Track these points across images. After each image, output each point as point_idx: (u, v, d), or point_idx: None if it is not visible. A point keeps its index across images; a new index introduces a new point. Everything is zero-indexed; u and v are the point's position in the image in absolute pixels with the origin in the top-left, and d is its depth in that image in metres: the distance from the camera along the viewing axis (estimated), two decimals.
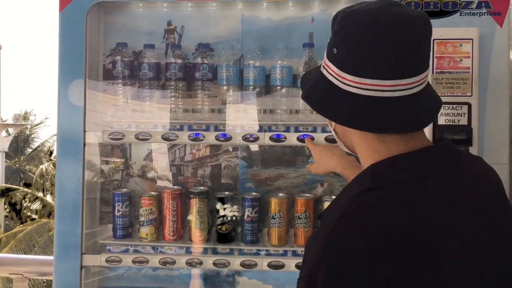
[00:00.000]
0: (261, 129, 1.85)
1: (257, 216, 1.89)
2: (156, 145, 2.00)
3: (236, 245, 1.89)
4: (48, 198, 15.09)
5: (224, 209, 1.90)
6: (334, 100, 1.00)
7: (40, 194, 15.13)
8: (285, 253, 1.86)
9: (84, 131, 1.85)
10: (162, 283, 2.00)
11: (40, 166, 16.56)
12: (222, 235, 1.90)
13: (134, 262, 1.88)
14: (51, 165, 15.86)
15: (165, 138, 1.85)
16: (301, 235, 1.87)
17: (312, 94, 1.04)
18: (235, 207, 1.91)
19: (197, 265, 1.86)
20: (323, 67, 1.03)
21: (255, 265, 1.84)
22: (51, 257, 2.22)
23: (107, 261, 1.88)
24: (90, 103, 1.88)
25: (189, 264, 1.86)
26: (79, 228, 1.86)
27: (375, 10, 0.96)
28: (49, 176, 15.49)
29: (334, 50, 0.99)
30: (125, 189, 1.98)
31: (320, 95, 1.02)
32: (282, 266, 1.83)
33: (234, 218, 1.90)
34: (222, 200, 1.91)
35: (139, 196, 1.95)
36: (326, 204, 1.85)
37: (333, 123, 1.10)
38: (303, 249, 1.85)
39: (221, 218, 1.90)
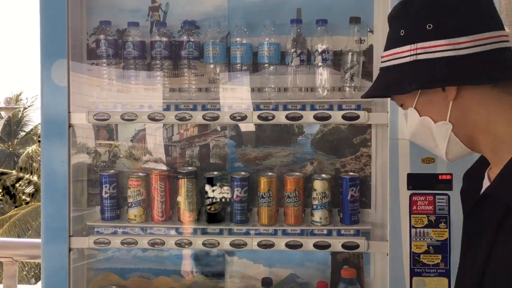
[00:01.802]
0: (249, 108, 1.82)
1: (246, 195, 1.87)
2: (143, 125, 1.96)
3: (226, 225, 1.88)
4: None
5: (213, 189, 1.88)
6: (454, 70, 0.94)
7: (35, 178, 15.08)
8: (275, 232, 1.85)
9: (69, 112, 1.82)
10: (151, 264, 1.99)
11: (28, 148, 16.43)
12: (211, 215, 1.89)
13: (122, 243, 1.86)
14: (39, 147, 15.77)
15: (152, 118, 1.82)
16: (291, 214, 1.86)
17: (434, 76, 0.96)
18: (225, 188, 1.89)
19: (186, 246, 1.84)
20: (418, 53, 0.97)
21: (245, 244, 1.82)
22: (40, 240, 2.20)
23: (95, 243, 1.86)
24: (74, 83, 1.84)
25: (178, 244, 1.85)
26: (66, 211, 1.84)
27: None
28: (39, 158, 15.41)
29: (428, 26, 0.96)
30: (112, 171, 1.96)
31: (443, 72, 0.95)
32: (272, 245, 1.82)
33: (223, 198, 1.89)
34: (211, 180, 1.89)
35: (126, 178, 1.93)
36: (316, 183, 1.84)
37: (440, 123, 1.00)
38: (293, 228, 1.85)
39: (210, 199, 1.88)
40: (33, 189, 14.56)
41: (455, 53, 0.94)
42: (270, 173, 1.89)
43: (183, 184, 1.88)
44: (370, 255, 1.88)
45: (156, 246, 1.85)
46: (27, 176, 15.06)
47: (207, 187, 1.88)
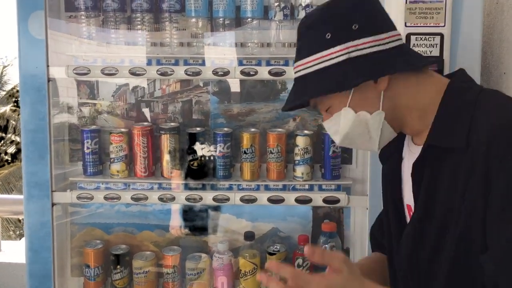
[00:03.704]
0: (232, 63, 1.80)
1: (229, 151, 1.88)
2: (124, 80, 1.94)
3: (209, 180, 1.89)
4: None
5: (196, 145, 1.88)
6: (384, 62, 1.06)
7: (17, 138, 14.88)
8: (257, 188, 1.87)
9: (47, 66, 1.78)
10: (135, 219, 2.01)
11: (6, 107, 16.08)
12: (194, 171, 1.89)
13: (106, 198, 1.87)
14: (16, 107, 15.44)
15: (133, 73, 1.79)
16: (273, 170, 1.87)
17: (360, 70, 1.06)
18: (207, 144, 1.89)
19: (169, 201, 1.86)
20: (350, 51, 1.05)
21: (228, 199, 1.85)
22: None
23: (78, 198, 1.87)
24: (52, 37, 1.79)
25: (161, 199, 1.86)
26: (47, 167, 1.83)
27: None
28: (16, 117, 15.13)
29: (354, 26, 1.06)
30: (93, 126, 1.94)
31: (368, 66, 1.06)
32: (255, 200, 1.84)
33: (205, 154, 1.89)
34: (194, 136, 1.89)
35: (108, 133, 1.92)
36: (298, 139, 1.85)
37: (374, 113, 1.09)
38: (275, 183, 1.87)
39: (193, 154, 1.89)
40: (15, 149, 14.40)
41: (382, 47, 1.06)
42: (253, 129, 1.90)
43: (165, 140, 1.88)
44: (350, 209, 1.92)
45: (139, 201, 1.87)
46: (8, 135, 14.85)
47: (190, 142, 1.88)
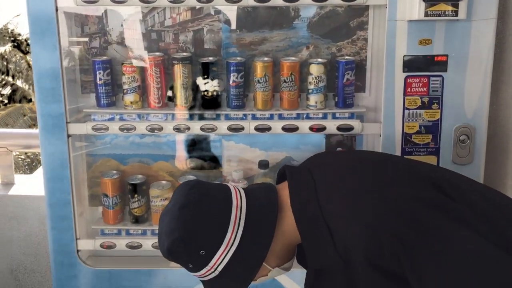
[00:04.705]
0: None
1: (242, 81, 1.87)
2: (134, 9, 1.89)
3: (223, 110, 1.90)
4: (19, 83, 14.70)
5: (209, 75, 1.87)
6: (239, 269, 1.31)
7: (10, 79, 14.70)
8: (271, 117, 1.88)
9: None
10: (150, 150, 2.03)
11: (1, 48, 15.78)
12: (208, 101, 1.90)
13: (121, 129, 1.88)
14: (14, 48, 15.15)
15: (142, 0, 1.75)
16: (286, 99, 1.88)
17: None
18: (219, 78, 1.87)
19: (185, 130, 1.87)
20: (219, 270, 1.30)
21: (242, 128, 1.86)
22: (36, 131, 2.21)
23: (93, 129, 1.88)
24: None
25: (177, 129, 1.87)
26: (61, 98, 1.83)
27: None
28: (14, 59, 14.89)
29: (202, 252, 1.28)
30: (105, 57, 1.92)
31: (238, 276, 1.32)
32: (269, 129, 1.86)
33: (219, 84, 1.88)
34: (206, 66, 1.87)
35: (120, 64, 1.90)
36: (312, 67, 1.84)
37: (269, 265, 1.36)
38: (288, 112, 1.88)
39: (206, 84, 1.88)
40: (10, 90, 14.26)
41: (232, 250, 1.27)
42: (266, 58, 1.88)
43: (178, 70, 1.87)
44: (363, 137, 1.94)
45: (155, 131, 1.88)
46: (2, 77, 14.66)
47: (203, 72, 1.87)
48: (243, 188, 1.40)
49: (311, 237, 1.26)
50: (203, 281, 1.36)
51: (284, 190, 1.35)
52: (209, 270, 1.29)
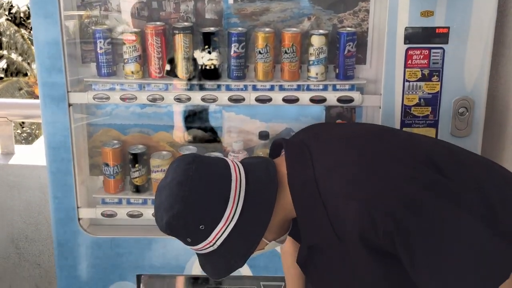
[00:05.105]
0: None
1: (243, 51, 1.87)
2: None
3: (223, 81, 1.90)
4: (14, 56, 14.55)
5: (210, 45, 1.87)
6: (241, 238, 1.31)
7: (5, 52, 14.54)
8: (272, 88, 1.89)
9: None
10: (151, 120, 2.04)
11: None
12: (208, 71, 1.90)
13: (122, 99, 1.88)
14: (8, 22, 14.94)
15: None
16: (287, 70, 1.88)
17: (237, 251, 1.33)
18: (218, 50, 1.87)
19: (186, 101, 1.88)
20: (218, 244, 1.30)
21: (243, 99, 1.87)
22: (36, 100, 2.21)
23: (94, 98, 1.88)
24: None
25: (178, 100, 1.88)
26: (62, 73, 1.83)
27: None
28: (9, 32, 14.69)
29: (201, 227, 1.27)
30: (105, 26, 1.91)
31: (238, 241, 1.30)
32: (270, 100, 1.87)
33: (217, 57, 1.88)
34: (208, 36, 1.87)
35: (120, 33, 1.89)
36: (313, 38, 1.84)
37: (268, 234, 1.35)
38: (289, 83, 1.89)
39: (208, 55, 1.88)
40: (6, 64, 14.12)
41: (232, 225, 1.27)
42: (267, 29, 1.88)
43: (179, 40, 1.86)
44: (363, 109, 1.95)
45: (156, 101, 1.88)
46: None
47: (204, 43, 1.86)
48: (241, 162, 1.40)
49: (307, 216, 1.28)
50: (200, 254, 1.37)
51: (281, 166, 1.35)
52: (207, 244, 1.30)
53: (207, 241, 1.29)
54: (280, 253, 1.76)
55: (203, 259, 1.37)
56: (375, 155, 1.28)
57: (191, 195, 1.27)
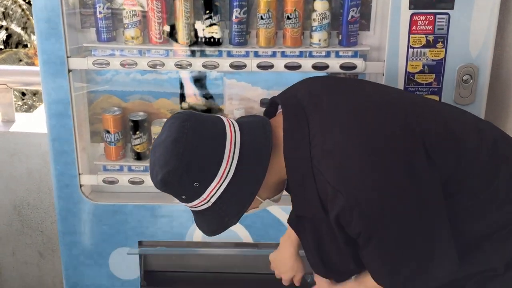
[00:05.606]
0: None
1: (245, 17, 1.84)
2: None
3: (225, 47, 1.87)
4: (13, 26, 14.38)
5: (211, 10, 1.83)
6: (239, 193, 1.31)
7: (4, 23, 14.38)
8: (273, 54, 1.87)
9: None
10: (151, 86, 2.02)
11: None
12: (209, 38, 1.87)
13: (122, 64, 1.86)
14: None
15: None
16: (290, 36, 1.85)
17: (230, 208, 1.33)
18: (220, 18, 1.83)
19: (187, 67, 1.86)
20: (212, 202, 1.30)
21: (245, 66, 1.85)
22: (36, 67, 2.18)
23: (94, 64, 1.86)
24: None
25: (179, 66, 1.86)
26: (62, 38, 1.81)
27: None
28: (5, 2, 14.49)
29: (195, 184, 1.27)
30: None
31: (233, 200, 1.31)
32: (272, 66, 1.85)
33: (217, 31, 1.84)
34: (209, 1, 1.82)
35: None
36: (316, 4, 1.80)
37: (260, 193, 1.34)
38: (292, 50, 1.86)
39: (204, 31, 1.85)
40: (6, 35, 13.97)
41: (226, 183, 1.28)
42: None
43: (180, 4, 1.83)
44: (366, 76, 1.93)
45: (156, 67, 1.86)
46: None
47: (205, 8, 1.83)
48: (236, 121, 1.39)
49: (298, 191, 1.31)
50: (195, 212, 1.37)
51: (278, 128, 1.33)
52: (202, 201, 1.30)
53: (201, 198, 1.29)
54: None
55: (199, 216, 1.37)
56: (375, 142, 1.24)
57: (186, 152, 1.26)
